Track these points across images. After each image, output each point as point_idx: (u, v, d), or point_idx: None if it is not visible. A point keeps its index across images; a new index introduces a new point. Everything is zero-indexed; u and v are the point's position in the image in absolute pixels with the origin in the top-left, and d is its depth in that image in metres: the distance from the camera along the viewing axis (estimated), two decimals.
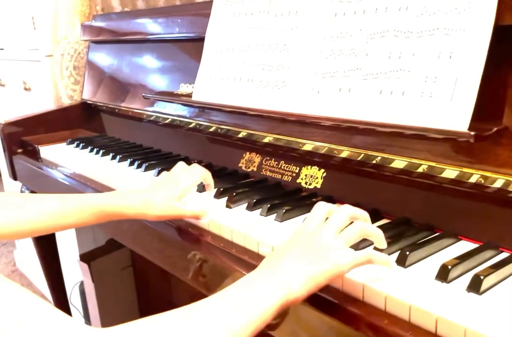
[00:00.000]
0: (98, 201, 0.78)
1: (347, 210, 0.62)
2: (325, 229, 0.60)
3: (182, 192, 0.79)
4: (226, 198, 0.88)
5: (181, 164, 0.87)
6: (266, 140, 0.96)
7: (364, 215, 0.63)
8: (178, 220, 0.83)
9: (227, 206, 0.86)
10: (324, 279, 0.55)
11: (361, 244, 0.66)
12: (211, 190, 0.89)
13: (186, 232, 0.82)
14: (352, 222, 0.62)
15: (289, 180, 0.93)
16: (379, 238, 0.61)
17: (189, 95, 1.11)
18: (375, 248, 0.64)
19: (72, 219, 0.78)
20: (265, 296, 0.52)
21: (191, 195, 0.85)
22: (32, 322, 0.41)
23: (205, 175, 0.85)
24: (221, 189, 0.90)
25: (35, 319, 0.42)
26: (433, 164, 0.71)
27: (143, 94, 1.24)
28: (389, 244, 0.65)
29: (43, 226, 0.78)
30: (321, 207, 0.63)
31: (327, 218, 0.62)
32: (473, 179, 0.66)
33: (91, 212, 0.78)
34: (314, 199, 0.85)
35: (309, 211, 0.80)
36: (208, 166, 1.09)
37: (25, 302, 0.43)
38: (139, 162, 1.13)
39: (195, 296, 0.57)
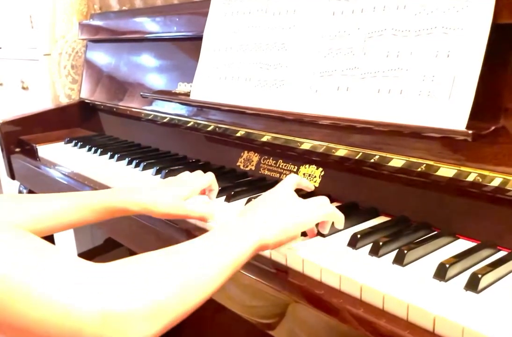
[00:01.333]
0: (103, 197, 0.77)
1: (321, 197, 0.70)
2: (298, 199, 0.68)
3: (189, 193, 0.79)
4: (224, 197, 0.88)
5: (186, 173, 0.87)
6: (264, 139, 0.96)
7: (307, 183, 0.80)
8: (180, 220, 0.83)
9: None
10: (294, 232, 0.64)
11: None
12: (213, 197, 0.88)
13: (184, 231, 0.82)
14: None
15: None
16: (340, 219, 0.69)
17: (187, 94, 1.11)
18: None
19: (76, 216, 0.76)
20: (241, 241, 0.58)
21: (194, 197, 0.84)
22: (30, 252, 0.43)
23: (212, 181, 0.86)
24: (220, 188, 0.90)
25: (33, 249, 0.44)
26: (431, 162, 0.71)
27: (141, 93, 1.24)
28: (387, 242, 0.65)
29: (45, 227, 0.76)
30: (293, 175, 0.74)
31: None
32: (470, 178, 0.66)
33: (96, 209, 0.76)
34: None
35: None
36: (206, 165, 1.09)
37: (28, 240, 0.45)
38: (137, 161, 1.13)
39: None
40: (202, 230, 0.81)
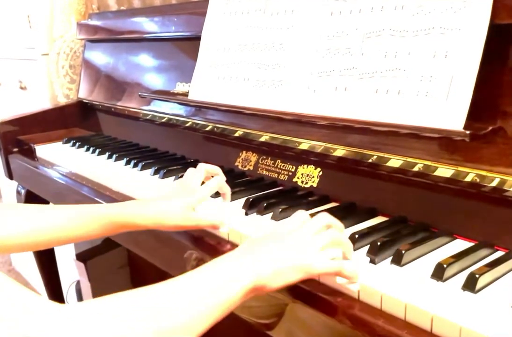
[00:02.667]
0: (110, 211, 0.75)
1: (324, 218, 0.63)
2: (301, 229, 0.61)
3: (197, 202, 0.76)
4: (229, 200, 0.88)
5: (191, 170, 0.83)
6: (262, 139, 0.96)
7: (339, 224, 0.64)
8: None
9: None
10: (294, 276, 0.56)
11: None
12: (228, 200, 0.84)
13: (183, 231, 0.82)
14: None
15: (286, 179, 0.93)
16: (349, 250, 0.62)
17: (185, 94, 1.11)
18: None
19: (81, 230, 0.74)
20: (233, 279, 0.53)
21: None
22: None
23: (221, 184, 0.81)
24: None
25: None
26: (428, 163, 0.71)
27: (139, 93, 1.24)
28: (385, 243, 0.65)
29: (48, 239, 0.74)
30: (299, 214, 0.65)
31: None
32: (468, 178, 0.66)
33: (103, 223, 0.74)
34: (310, 198, 0.85)
35: (305, 210, 0.80)
36: None
37: None
38: (135, 161, 1.13)
39: None
40: (201, 231, 0.81)
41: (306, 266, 0.57)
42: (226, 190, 0.83)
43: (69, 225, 0.74)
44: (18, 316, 0.41)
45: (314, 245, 0.59)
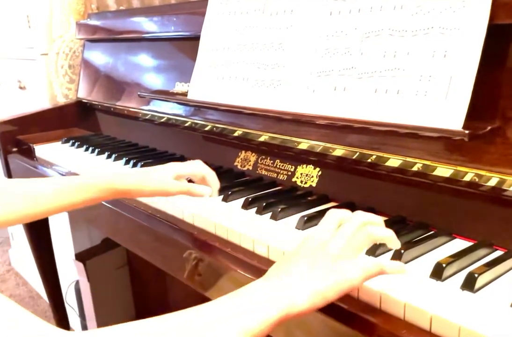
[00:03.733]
0: (93, 178, 0.80)
1: (360, 218, 0.57)
2: (335, 239, 0.55)
3: (175, 174, 0.80)
4: (221, 197, 0.88)
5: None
6: (261, 139, 0.96)
7: (378, 220, 0.59)
8: (179, 221, 0.83)
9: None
10: (334, 294, 0.52)
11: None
12: (215, 194, 0.84)
13: (181, 230, 0.82)
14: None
15: (285, 179, 0.93)
16: (391, 239, 0.58)
17: (185, 94, 1.11)
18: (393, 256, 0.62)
19: (70, 197, 0.78)
20: (264, 308, 0.49)
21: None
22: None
23: (203, 172, 0.83)
24: None
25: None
26: (427, 162, 0.71)
27: (139, 93, 1.24)
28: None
29: (45, 208, 0.77)
30: (333, 215, 0.59)
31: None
32: (467, 178, 0.66)
33: (87, 189, 0.78)
34: (309, 198, 0.85)
35: (304, 210, 0.80)
36: None
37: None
38: (134, 161, 1.13)
39: (191, 295, 0.58)
40: (198, 229, 0.81)
41: (347, 283, 0.52)
42: (215, 183, 0.84)
43: (58, 195, 0.77)
44: None
45: (348, 254, 0.54)
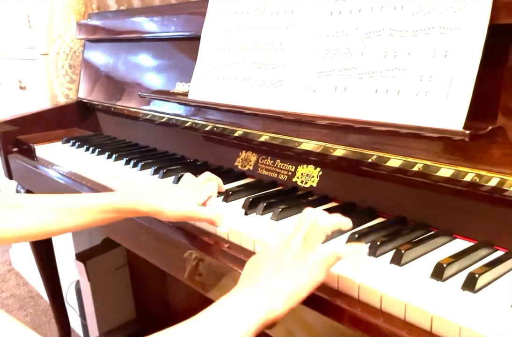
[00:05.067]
0: (112, 197, 0.77)
1: (309, 216, 0.61)
2: (293, 239, 0.59)
3: (198, 198, 0.78)
4: (222, 197, 0.88)
5: (188, 174, 0.87)
6: (262, 139, 0.96)
7: (323, 214, 0.62)
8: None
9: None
10: (305, 293, 0.55)
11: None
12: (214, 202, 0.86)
13: (182, 230, 0.82)
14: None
15: (285, 179, 0.93)
16: (339, 225, 0.61)
17: (185, 94, 1.11)
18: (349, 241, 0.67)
19: (85, 219, 0.75)
20: (243, 318, 0.51)
21: None
22: None
23: (219, 186, 0.87)
24: None
25: None
26: (428, 162, 0.71)
27: (139, 93, 1.24)
28: (384, 242, 0.65)
29: (53, 230, 0.75)
30: (306, 213, 0.62)
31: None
32: (468, 178, 0.66)
33: (105, 210, 0.75)
34: (310, 198, 0.85)
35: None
36: (204, 165, 1.09)
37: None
38: (135, 161, 1.13)
39: (191, 295, 0.58)
40: (198, 229, 0.81)
41: (313, 280, 0.56)
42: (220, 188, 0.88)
43: (72, 215, 0.75)
44: None
45: (309, 248, 0.57)
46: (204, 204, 0.80)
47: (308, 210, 0.63)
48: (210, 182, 0.85)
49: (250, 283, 0.56)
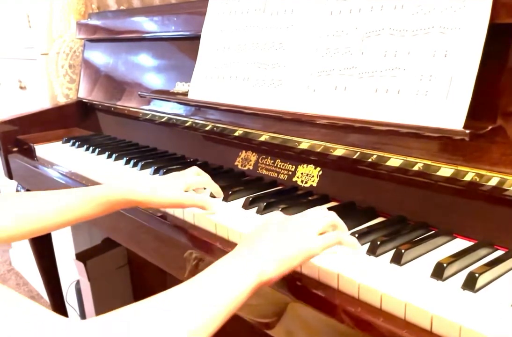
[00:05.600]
0: (104, 189, 0.78)
1: (329, 213, 0.64)
2: (295, 217, 0.63)
3: (185, 186, 0.80)
4: (221, 196, 0.88)
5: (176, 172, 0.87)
6: (262, 138, 0.96)
7: (342, 224, 0.65)
8: (179, 220, 0.83)
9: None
10: (297, 262, 0.58)
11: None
12: (219, 195, 0.88)
13: (182, 230, 0.82)
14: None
15: (285, 179, 0.93)
16: (354, 247, 0.64)
17: (185, 94, 1.11)
18: None
19: (80, 211, 0.76)
20: (239, 278, 0.54)
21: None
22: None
23: (207, 182, 0.86)
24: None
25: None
26: (428, 162, 0.71)
27: (139, 93, 1.24)
28: (384, 242, 0.65)
29: (49, 224, 0.75)
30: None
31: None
32: (468, 177, 0.66)
33: (99, 202, 0.76)
34: (310, 198, 0.85)
35: (305, 209, 0.80)
36: (204, 165, 1.09)
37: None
38: (135, 160, 1.13)
39: None
40: (198, 229, 0.81)
41: (306, 249, 0.58)
42: (215, 187, 0.87)
43: (67, 209, 0.76)
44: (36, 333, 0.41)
45: (310, 226, 0.61)
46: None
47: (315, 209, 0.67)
48: (198, 176, 0.85)
49: (248, 245, 0.59)
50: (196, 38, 1.09)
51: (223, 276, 0.54)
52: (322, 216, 0.63)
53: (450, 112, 0.66)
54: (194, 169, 0.86)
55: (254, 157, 1.01)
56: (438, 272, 0.58)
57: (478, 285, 0.55)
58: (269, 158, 0.98)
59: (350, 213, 0.77)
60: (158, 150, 1.26)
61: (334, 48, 0.82)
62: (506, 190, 0.63)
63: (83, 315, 1.79)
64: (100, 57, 1.54)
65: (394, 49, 0.74)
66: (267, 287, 0.61)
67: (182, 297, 0.51)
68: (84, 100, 1.56)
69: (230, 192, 0.87)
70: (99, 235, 1.73)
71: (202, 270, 0.75)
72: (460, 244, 0.67)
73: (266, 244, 0.58)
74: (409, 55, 0.72)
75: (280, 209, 0.78)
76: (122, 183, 0.80)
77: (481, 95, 0.65)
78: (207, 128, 1.09)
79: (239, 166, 1.03)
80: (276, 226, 0.61)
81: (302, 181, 0.90)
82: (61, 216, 0.75)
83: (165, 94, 1.19)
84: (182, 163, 1.11)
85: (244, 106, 0.96)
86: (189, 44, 1.18)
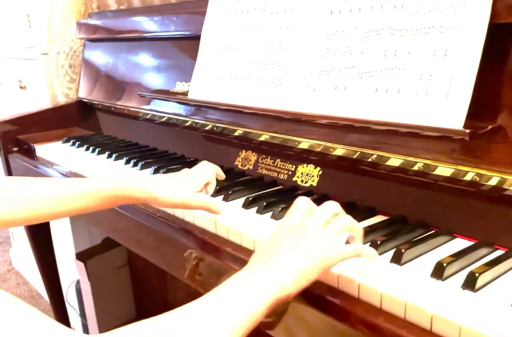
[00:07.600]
0: (107, 184, 0.76)
1: (330, 207, 0.62)
2: (312, 219, 0.59)
3: (194, 185, 0.78)
4: (222, 196, 0.88)
5: (199, 166, 0.86)
6: (262, 138, 0.96)
7: (344, 213, 0.63)
8: (179, 220, 0.83)
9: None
10: (315, 274, 0.55)
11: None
12: (211, 191, 0.85)
13: (182, 230, 0.82)
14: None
15: (285, 178, 0.93)
16: (360, 234, 0.62)
17: (185, 94, 1.11)
18: None
19: (78, 204, 0.75)
20: (257, 295, 0.51)
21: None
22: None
23: (215, 172, 0.85)
24: (217, 188, 0.90)
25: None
26: (428, 162, 0.71)
27: (139, 93, 1.24)
28: (384, 241, 0.65)
29: (45, 213, 0.74)
30: (303, 200, 0.63)
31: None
32: (468, 177, 0.66)
33: (99, 196, 0.75)
34: (310, 197, 0.85)
35: None
36: None
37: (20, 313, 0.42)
38: (135, 160, 1.13)
39: (192, 294, 0.57)
40: (198, 228, 0.81)
41: (326, 262, 0.56)
42: (214, 180, 0.85)
43: (65, 200, 0.74)
44: None
45: (328, 237, 0.58)
46: (201, 191, 0.80)
47: (329, 202, 0.63)
48: (205, 168, 0.84)
49: (262, 262, 0.55)
50: (196, 38, 1.09)
51: (241, 293, 0.51)
52: (342, 223, 0.60)
53: (450, 111, 0.66)
54: (204, 164, 0.85)
55: (254, 157, 1.01)
56: (438, 271, 0.58)
57: (478, 285, 0.55)
58: (269, 157, 0.98)
59: (350, 212, 0.77)
60: (158, 150, 1.26)
61: (334, 48, 0.82)
62: (506, 189, 0.63)
63: (83, 315, 1.79)
64: (100, 56, 1.54)
65: (394, 48, 0.74)
66: None
67: (197, 315, 0.49)
68: (84, 100, 1.56)
69: (230, 192, 0.87)
70: (99, 235, 1.73)
71: (202, 270, 0.75)
72: (460, 243, 0.67)
73: (284, 258, 0.55)
74: (409, 54, 0.72)
75: (280, 209, 0.78)
76: (127, 179, 0.78)
77: (481, 94, 0.65)
78: (207, 128, 1.09)
79: (239, 166, 1.03)
80: (291, 235, 0.58)
81: (302, 181, 0.90)
82: (54, 205, 0.74)
83: (165, 94, 1.19)
84: (182, 162, 1.11)
85: (244, 106, 0.96)
86: (189, 44, 1.18)
